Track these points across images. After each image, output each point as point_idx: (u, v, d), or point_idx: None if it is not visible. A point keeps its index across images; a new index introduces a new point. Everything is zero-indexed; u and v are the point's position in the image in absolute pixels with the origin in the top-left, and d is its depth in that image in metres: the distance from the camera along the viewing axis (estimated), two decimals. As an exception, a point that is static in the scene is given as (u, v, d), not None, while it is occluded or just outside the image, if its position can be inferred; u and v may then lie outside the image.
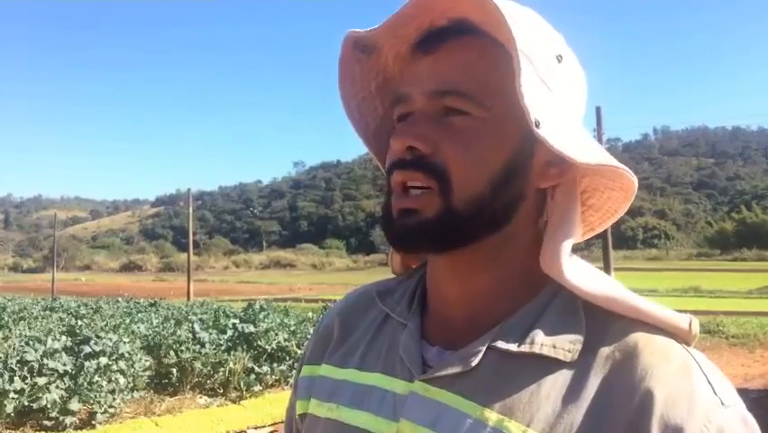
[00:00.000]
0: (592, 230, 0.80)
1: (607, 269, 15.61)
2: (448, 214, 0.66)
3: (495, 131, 0.67)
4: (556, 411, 0.61)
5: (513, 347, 0.65)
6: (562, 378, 0.63)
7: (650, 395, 0.59)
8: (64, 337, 7.54)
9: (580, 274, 0.68)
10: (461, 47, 0.68)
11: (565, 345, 0.64)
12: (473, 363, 0.66)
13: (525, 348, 0.65)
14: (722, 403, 0.60)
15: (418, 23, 0.70)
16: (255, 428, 6.64)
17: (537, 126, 0.61)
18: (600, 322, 0.66)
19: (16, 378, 6.23)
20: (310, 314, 11.95)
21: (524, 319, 0.68)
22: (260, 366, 8.28)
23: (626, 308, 0.65)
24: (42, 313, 14.71)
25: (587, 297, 0.66)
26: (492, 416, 0.62)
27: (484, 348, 0.66)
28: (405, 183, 0.67)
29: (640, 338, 0.64)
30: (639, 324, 0.65)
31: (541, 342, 0.65)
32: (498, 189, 0.67)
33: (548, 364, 0.64)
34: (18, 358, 6.55)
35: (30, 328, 10.30)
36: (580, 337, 0.65)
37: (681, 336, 0.65)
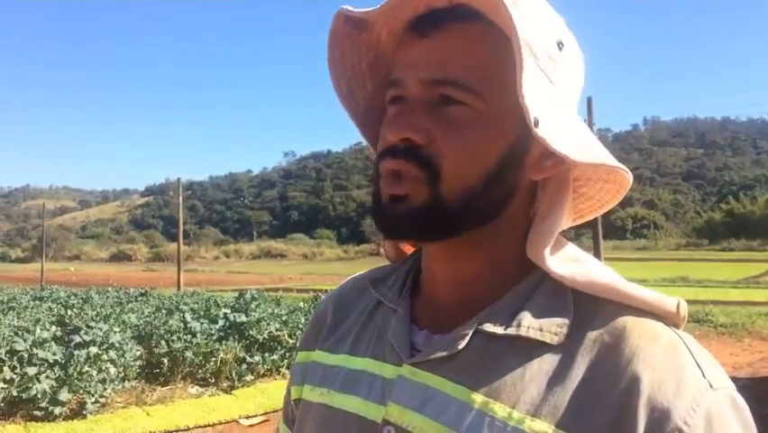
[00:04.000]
0: (581, 217, 0.79)
1: (597, 259, 15.70)
2: (436, 204, 0.65)
3: (492, 124, 0.65)
4: (542, 393, 0.61)
5: (500, 330, 0.66)
6: (548, 360, 0.63)
7: (637, 377, 0.59)
8: (54, 327, 7.51)
9: (563, 261, 0.68)
10: (460, 33, 0.66)
11: (552, 328, 0.64)
12: (460, 347, 0.66)
13: (511, 331, 0.65)
14: (711, 386, 0.60)
15: (416, 4, 0.67)
16: (247, 418, 6.63)
17: (536, 125, 0.60)
18: (588, 306, 0.66)
19: (5, 368, 6.21)
20: (301, 303, 11.92)
21: (511, 303, 0.68)
22: (251, 356, 8.27)
23: (612, 293, 0.65)
24: (32, 303, 14.61)
25: (570, 283, 0.67)
26: (478, 398, 0.63)
27: (471, 332, 0.67)
28: (395, 171, 0.66)
29: (628, 321, 0.64)
30: (627, 307, 0.65)
31: (528, 325, 0.65)
32: (490, 184, 0.66)
33: (535, 347, 0.64)
34: (7, 348, 6.52)
35: (19, 318, 10.24)
36: (566, 321, 0.65)
37: (669, 319, 0.65)
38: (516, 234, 0.71)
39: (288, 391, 0.86)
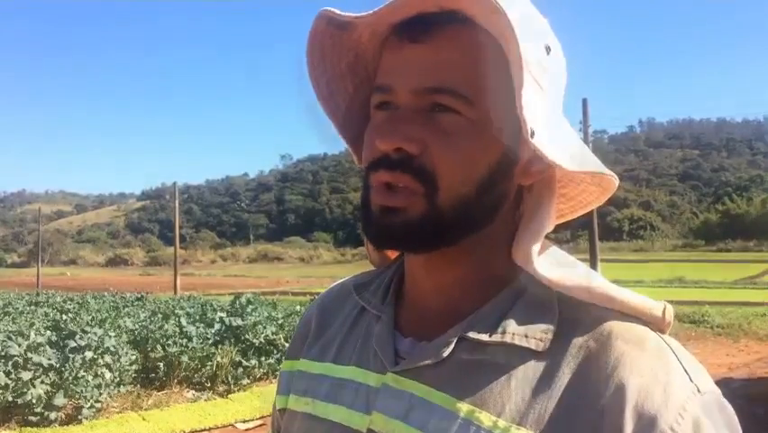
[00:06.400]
0: (562, 217, 0.78)
1: (593, 261, 15.74)
2: (432, 216, 0.64)
3: (484, 132, 0.64)
4: (527, 401, 0.61)
5: (484, 337, 0.65)
6: (533, 367, 0.62)
7: (623, 384, 0.58)
8: (48, 332, 7.47)
9: (550, 265, 0.67)
10: (452, 39, 0.64)
11: (537, 335, 0.64)
12: (445, 354, 0.65)
13: (496, 338, 0.64)
14: (698, 391, 0.59)
15: (407, 10, 0.65)
16: (243, 422, 6.62)
17: (532, 136, 0.59)
18: (574, 311, 0.65)
19: (0, 373, 6.17)
20: (298, 307, 11.92)
21: (496, 309, 0.67)
22: (247, 360, 8.26)
23: (598, 297, 0.65)
24: (27, 308, 14.55)
25: (556, 287, 0.66)
26: (463, 407, 0.62)
27: (455, 339, 0.66)
28: (390, 183, 0.65)
29: (614, 327, 0.63)
30: (613, 312, 0.64)
31: (512, 331, 0.64)
32: (483, 192, 0.65)
33: (520, 354, 0.63)
34: (2, 353, 6.48)
35: (14, 323, 10.19)
36: (551, 327, 0.64)
37: (655, 324, 0.65)
38: (503, 239, 0.70)
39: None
